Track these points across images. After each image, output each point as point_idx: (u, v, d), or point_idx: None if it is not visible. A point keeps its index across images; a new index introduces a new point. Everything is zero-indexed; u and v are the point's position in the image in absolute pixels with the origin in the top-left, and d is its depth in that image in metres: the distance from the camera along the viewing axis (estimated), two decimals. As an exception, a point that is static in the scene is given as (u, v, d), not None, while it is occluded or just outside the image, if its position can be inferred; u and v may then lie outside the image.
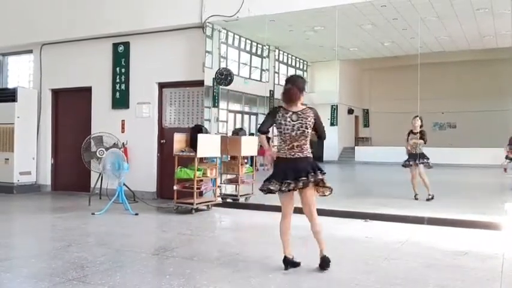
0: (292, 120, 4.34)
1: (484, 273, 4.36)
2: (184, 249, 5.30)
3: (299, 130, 4.33)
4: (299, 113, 4.36)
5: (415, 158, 8.88)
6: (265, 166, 5.12)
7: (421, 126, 9.03)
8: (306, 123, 4.34)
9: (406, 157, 9.09)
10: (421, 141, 8.92)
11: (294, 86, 4.40)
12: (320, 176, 4.34)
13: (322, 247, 4.39)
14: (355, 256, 5.03)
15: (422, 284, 4.05)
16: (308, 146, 4.41)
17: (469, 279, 4.18)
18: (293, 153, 4.35)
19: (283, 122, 4.36)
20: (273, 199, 8.20)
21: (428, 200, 8.60)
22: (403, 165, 9.12)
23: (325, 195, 4.47)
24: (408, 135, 9.13)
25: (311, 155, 4.41)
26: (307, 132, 4.35)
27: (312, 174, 4.29)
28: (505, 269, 4.48)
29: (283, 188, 4.31)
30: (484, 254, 5.07)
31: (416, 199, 8.71)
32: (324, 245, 4.40)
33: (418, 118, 9.06)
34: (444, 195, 9.51)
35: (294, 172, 4.29)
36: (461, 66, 17.65)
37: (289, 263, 4.39)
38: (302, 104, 4.45)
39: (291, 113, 4.36)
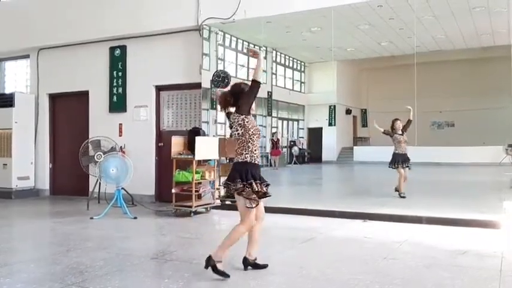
0: (231, 128, 4.31)
1: (483, 272, 4.36)
2: (183, 253, 5.30)
3: (234, 135, 4.28)
4: (232, 121, 4.27)
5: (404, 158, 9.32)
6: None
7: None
8: (236, 126, 4.21)
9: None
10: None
11: (228, 91, 4.34)
12: (238, 185, 4.10)
13: (216, 250, 4.17)
14: (354, 256, 5.03)
15: (421, 283, 4.05)
16: (242, 149, 4.18)
17: (468, 279, 4.17)
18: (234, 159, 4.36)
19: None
20: (271, 200, 8.22)
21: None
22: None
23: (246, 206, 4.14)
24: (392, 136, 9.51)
25: (243, 159, 4.17)
26: (238, 134, 4.19)
27: (230, 183, 4.17)
28: (504, 267, 4.48)
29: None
30: (483, 252, 5.07)
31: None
32: (219, 252, 4.14)
33: (399, 120, 9.51)
34: (443, 194, 9.53)
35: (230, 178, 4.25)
36: (458, 65, 17.69)
37: (249, 264, 4.41)
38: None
39: (230, 122, 4.32)
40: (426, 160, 12.72)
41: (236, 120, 4.19)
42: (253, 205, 4.13)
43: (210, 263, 4.11)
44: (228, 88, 4.40)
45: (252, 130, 4.16)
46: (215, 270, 4.10)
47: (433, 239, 5.86)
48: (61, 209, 8.96)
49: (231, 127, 4.28)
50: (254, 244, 4.41)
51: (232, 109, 4.30)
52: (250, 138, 4.17)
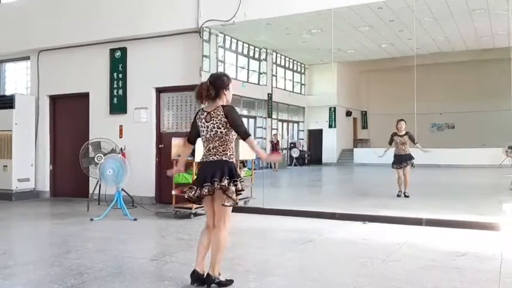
0: (206, 121, 4.06)
1: (483, 275, 4.37)
2: (182, 255, 5.30)
3: (212, 131, 4.02)
4: (211, 112, 4.04)
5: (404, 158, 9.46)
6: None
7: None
8: (218, 123, 3.98)
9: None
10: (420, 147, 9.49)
11: (210, 84, 4.10)
12: (224, 183, 3.87)
13: (212, 267, 3.97)
14: (353, 258, 5.03)
15: (420, 285, 4.05)
16: (225, 148, 4.00)
17: (468, 281, 4.17)
18: (208, 156, 4.03)
19: (199, 124, 4.14)
20: (271, 202, 8.23)
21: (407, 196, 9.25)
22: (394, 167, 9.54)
23: (224, 204, 3.95)
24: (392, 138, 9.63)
25: (228, 159, 3.99)
26: (221, 132, 3.98)
27: (217, 180, 3.87)
28: (503, 270, 4.49)
29: (191, 194, 4.03)
30: (482, 255, 5.07)
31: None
32: (216, 266, 3.97)
33: (403, 121, 9.60)
34: (442, 196, 9.53)
35: (204, 177, 3.96)
36: (458, 67, 17.70)
37: (197, 279, 3.99)
38: (222, 104, 4.07)
39: (206, 113, 4.09)
40: (426, 162, 12.69)
41: (219, 117, 3.99)
42: (232, 204, 3.96)
43: (210, 279, 3.93)
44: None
45: (233, 131, 4.04)
46: (220, 283, 3.96)
47: (433, 241, 5.87)
48: (61, 210, 8.96)
49: (207, 121, 4.05)
50: (205, 256, 4.10)
51: (205, 104, 4.16)
52: (232, 139, 4.07)
